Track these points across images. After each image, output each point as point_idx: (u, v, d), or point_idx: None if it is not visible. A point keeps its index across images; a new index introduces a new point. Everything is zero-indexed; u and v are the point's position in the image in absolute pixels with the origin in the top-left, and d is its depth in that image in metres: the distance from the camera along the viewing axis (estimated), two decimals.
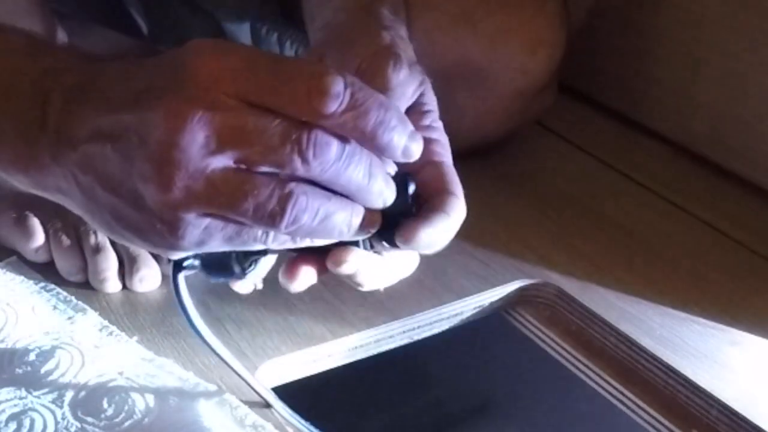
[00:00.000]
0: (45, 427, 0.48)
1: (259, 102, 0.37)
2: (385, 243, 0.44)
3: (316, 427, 0.50)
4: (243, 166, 0.38)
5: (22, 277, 0.59)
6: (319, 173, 0.38)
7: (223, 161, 0.37)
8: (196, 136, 0.36)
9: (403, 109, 0.48)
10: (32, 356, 0.52)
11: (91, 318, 0.56)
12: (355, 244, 0.43)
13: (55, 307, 0.56)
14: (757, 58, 0.81)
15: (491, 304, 0.65)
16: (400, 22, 0.56)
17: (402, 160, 0.41)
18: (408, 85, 0.49)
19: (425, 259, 0.68)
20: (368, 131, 0.39)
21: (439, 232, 0.44)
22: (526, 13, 0.74)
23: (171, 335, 0.56)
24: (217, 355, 0.49)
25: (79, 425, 0.48)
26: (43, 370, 0.52)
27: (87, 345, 0.54)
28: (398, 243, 0.43)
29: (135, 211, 0.39)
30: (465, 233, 0.71)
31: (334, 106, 0.37)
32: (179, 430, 0.49)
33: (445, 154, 0.49)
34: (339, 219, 0.40)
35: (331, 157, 0.38)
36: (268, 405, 0.51)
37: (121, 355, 0.53)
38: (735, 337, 0.63)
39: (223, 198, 0.38)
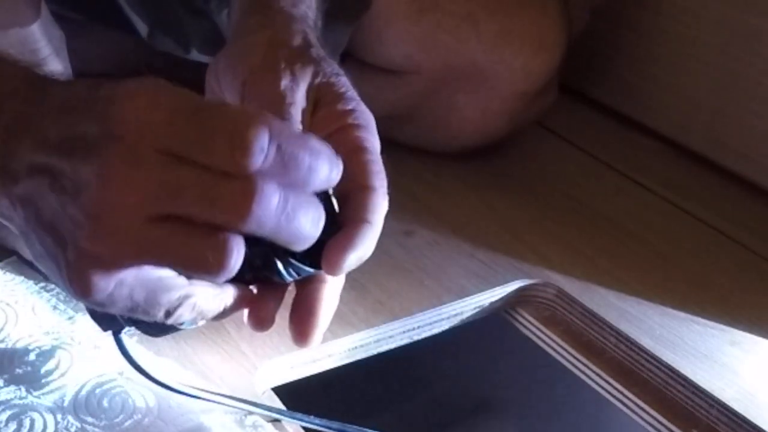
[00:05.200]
0: (45, 427, 0.48)
1: (186, 156, 0.36)
2: (309, 268, 0.42)
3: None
4: (175, 220, 0.36)
5: (22, 277, 0.59)
6: (253, 228, 0.37)
7: (153, 217, 0.36)
8: (126, 197, 0.36)
9: (299, 110, 0.47)
10: (32, 356, 0.52)
11: None
12: (279, 276, 0.42)
13: (55, 307, 0.56)
14: (757, 58, 0.81)
15: (491, 304, 0.65)
16: (296, 5, 0.53)
17: (325, 188, 0.40)
18: (297, 89, 0.47)
19: (425, 259, 0.68)
20: (299, 180, 0.37)
21: (364, 248, 0.43)
22: (528, 15, 0.74)
23: (171, 335, 0.56)
24: (210, 401, 0.49)
25: (79, 425, 0.48)
26: (43, 370, 0.52)
27: (87, 345, 0.54)
28: (324, 272, 0.42)
29: (58, 253, 0.38)
30: (465, 233, 0.72)
31: (259, 161, 0.35)
32: (179, 430, 0.49)
33: (368, 138, 0.47)
34: None
35: (258, 212, 0.36)
36: (277, 420, 0.51)
37: (121, 355, 0.53)
38: (735, 337, 0.63)
39: (155, 252, 0.37)
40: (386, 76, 0.77)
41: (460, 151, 0.80)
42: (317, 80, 0.48)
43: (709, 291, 0.68)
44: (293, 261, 0.41)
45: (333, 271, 0.42)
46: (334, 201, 0.43)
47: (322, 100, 0.48)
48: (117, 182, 0.36)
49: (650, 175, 0.84)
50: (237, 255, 0.37)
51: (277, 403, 0.53)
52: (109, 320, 0.46)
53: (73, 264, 0.38)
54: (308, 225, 0.39)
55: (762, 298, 0.68)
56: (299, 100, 0.47)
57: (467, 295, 0.64)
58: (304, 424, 0.51)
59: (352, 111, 0.47)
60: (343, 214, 0.43)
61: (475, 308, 0.64)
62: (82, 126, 0.37)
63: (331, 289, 0.46)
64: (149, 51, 0.77)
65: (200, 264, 0.37)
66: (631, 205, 0.79)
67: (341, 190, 0.44)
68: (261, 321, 0.45)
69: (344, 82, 0.49)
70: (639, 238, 0.74)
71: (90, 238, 0.37)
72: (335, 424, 0.50)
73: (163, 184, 0.36)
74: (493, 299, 0.65)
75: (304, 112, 0.47)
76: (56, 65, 0.60)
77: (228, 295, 0.42)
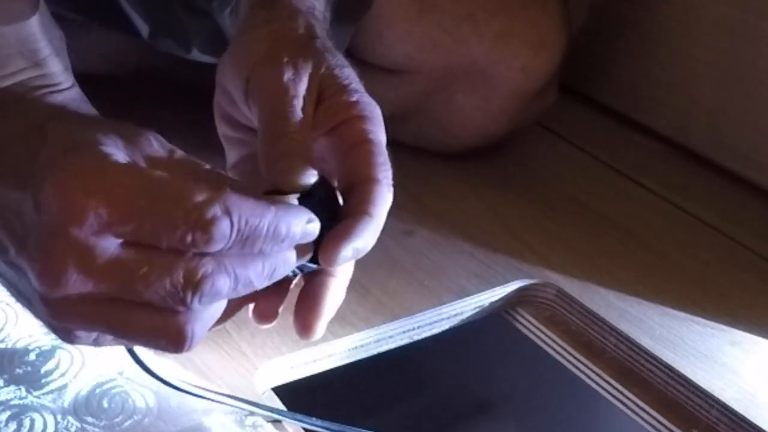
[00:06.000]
0: (45, 427, 0.48)
1: (140, 242, 0.35)
2: (311, 264, 0.42)
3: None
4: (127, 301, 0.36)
5: None
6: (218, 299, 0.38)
7: (101, 299, 0.36)
8: (66, 291, 0.35)
9: (302, 103, 0.46)
10: (32, 356, 0.52)
11: None
12: None
13: None
14: (757, 58, 0.81)
15: (491, 304, 0.65)
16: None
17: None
18: (299, 82, 0.47)
19: (425, 259, 0.68)
20: (257, 252, 0.38)
21: (363, 240, 0.42)
22: (528, 15, 0.74)
23: None
24: (214, 400, 0.50)
25: (79, 425, 0.48)
26: (43, 370, 0.52)
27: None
28: (322, 265, 0.42)
29: (29, 308, 0.39)
30: (465, 233, 0.72)
31: (220, 246, 0.36)
32: (179, 430, 0.49)
33: (373, 130, 0.46)
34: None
35: (222, 290, 0.37)
36: (278, 420, 0.51)
37: (121, 355, 0.53)
38: (735, 337, 0.63)
39: (111, 330, 0.37)
40: (386, 76, 0.77)
41: (460, 151, 0.80)
42: (321, 72, 0.48)
43: (709, 291, 0.68)
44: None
45: (329, 262, 0.42)
46: (338, 194, 0.43)
47: (325, 92, 0.47)
48: (52, 279, 0.35)
49: (650, 175, 0.84)
50: (193, 338, 0.38)
51: (278, 403, 0.53)
52: None
53: (47, 323, 0.38)
54: (264, 282, 0.39)
55: (762, 298, 0.68)
56: (302, 92, 0.47)
57: (467, 295, 0.64)
58: (305, 425, 0.51)
59: (356, 103, 0.47)
60: (346, 207, 0.43)
61: (475, 308, 0.64)
62: (13, 193, 0.37)
63: (338, 282, 0.46)
64: (150, 51, 0.77)
65: (157, 346, 0.38)
66: (631, 205, 0.79)
67: (346, 181, 0.45)
68: (265, 315, 0.45)
69: (348, 74, 0.48)
70: (639, 238, 0.74)
71: (47, 315, 0.37)
72: (335, 425, 0.50)
73: (102, 277, 0.35)
74: (493, 299, 0.65)
75: (307, 104, 0.47)
76: (56, 65, 0.60)
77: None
